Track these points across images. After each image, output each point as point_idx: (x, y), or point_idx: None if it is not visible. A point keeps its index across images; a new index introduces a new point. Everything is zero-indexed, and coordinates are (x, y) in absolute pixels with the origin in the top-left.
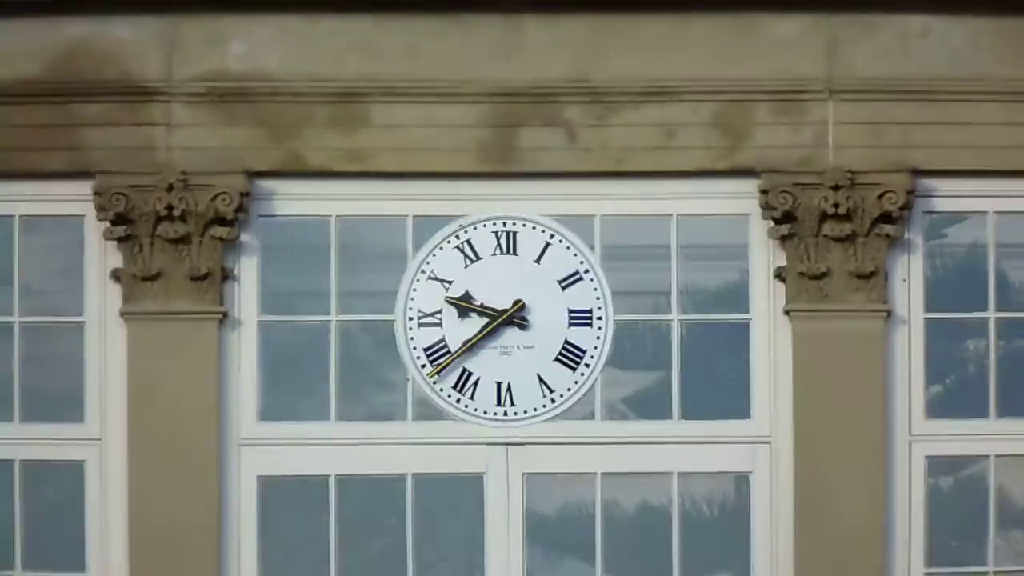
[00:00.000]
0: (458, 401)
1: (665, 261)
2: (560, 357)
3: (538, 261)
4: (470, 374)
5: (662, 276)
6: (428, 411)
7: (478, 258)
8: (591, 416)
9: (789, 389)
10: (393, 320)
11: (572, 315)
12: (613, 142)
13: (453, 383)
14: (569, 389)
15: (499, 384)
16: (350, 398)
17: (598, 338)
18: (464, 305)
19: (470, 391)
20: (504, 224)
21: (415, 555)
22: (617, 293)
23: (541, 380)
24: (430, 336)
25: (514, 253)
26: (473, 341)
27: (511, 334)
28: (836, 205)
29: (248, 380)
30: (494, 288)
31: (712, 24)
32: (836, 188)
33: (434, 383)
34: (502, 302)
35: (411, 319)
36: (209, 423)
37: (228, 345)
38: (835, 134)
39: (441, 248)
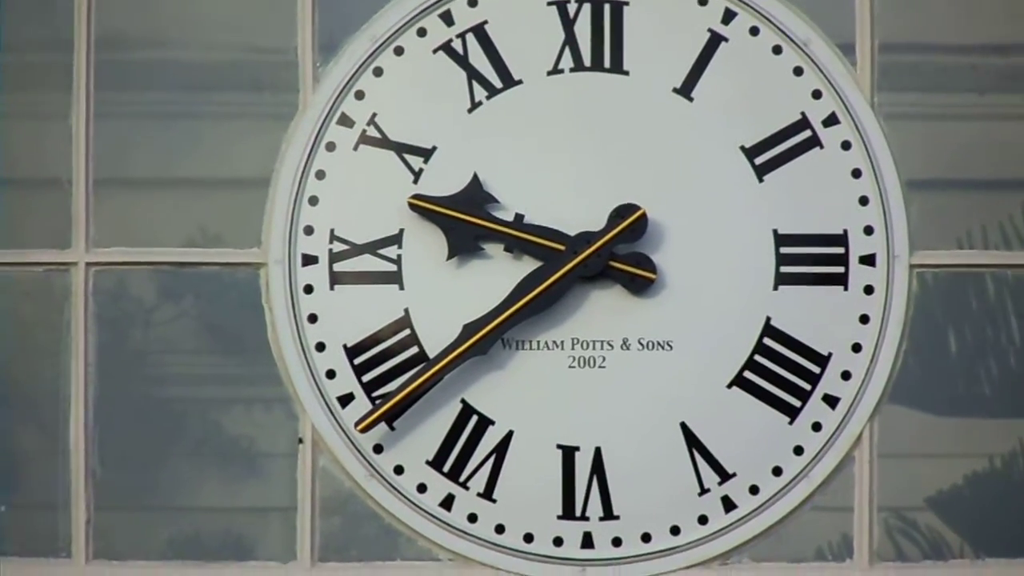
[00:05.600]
0: (471, 519)
1: None
2: (751, 375)
3: (685, 92)
4: (485, 432)
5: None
6: (368, 547)
7: (507, 80)
8: (838, 555)
9: None
10: (260, 265)
11: (786, 253)
12: None
13: (438, 462)
14: (779, 474)
15: (568, 457)
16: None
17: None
18: (475, 222)
19: (491, 487)
20: None
21: None
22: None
23: (695, 446)
24: (363, 323)
25: (619, 68)
26: (493, 327)
27: (603, 302)
28: None
29: None
30: (553, 171)
31: None
32: None
33: (375, 464)
34: (580, 214)
35: (308, 263)
36: None
37: None
38: None
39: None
